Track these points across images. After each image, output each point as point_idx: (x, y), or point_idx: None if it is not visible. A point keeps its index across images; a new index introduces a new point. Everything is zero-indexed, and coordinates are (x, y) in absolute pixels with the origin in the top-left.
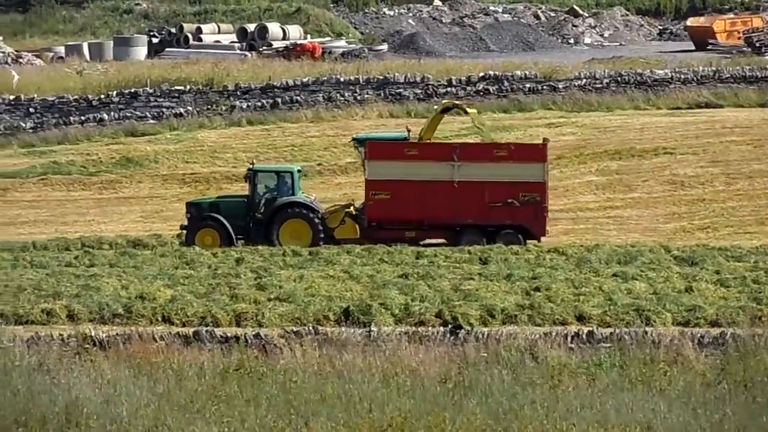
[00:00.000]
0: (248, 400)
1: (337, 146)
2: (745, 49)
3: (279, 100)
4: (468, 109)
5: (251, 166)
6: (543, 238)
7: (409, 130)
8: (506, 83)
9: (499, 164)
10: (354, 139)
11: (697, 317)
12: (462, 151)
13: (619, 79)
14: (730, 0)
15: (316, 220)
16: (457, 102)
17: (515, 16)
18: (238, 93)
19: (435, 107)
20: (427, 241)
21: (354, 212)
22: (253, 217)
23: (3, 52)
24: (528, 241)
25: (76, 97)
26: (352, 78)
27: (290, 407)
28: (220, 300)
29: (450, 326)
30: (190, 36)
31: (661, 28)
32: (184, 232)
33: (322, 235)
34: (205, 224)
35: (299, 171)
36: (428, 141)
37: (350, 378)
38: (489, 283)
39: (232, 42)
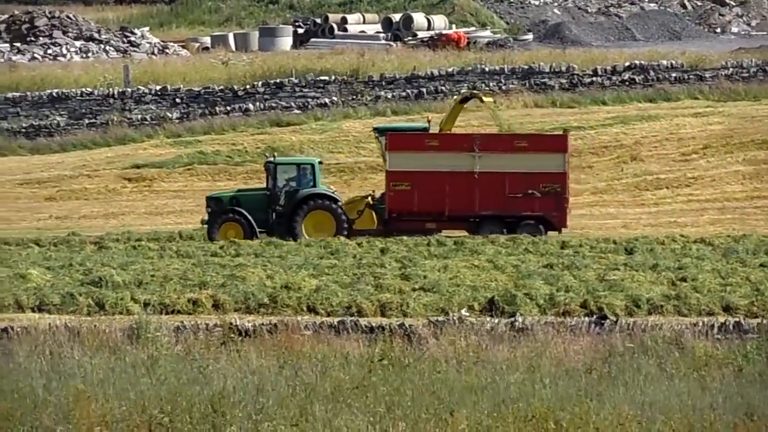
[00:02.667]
0: (393, 389)
1: None
2: None
3: (423, 90)
4: (484, 98)
5: (271, 159)
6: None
7: (429, 121)
8: (652, 73)
9: (519, 155)
10: (375, 129)
11: None
12: (482, 141)
13: (766, 68)
14: None
15: (340, 211)
16: (475, 91)
17: (661, 5)
18: (383, 83)
19: (454, 97)
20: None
21: (372, 203)
22: (274, 209)
23: (149, 43)
24: (674, 234)
25: (221, 87)
26: (496, 68)
27: (435, 397)
28: (364, 290)
29: (595, 316)
30: (335, 26)
31: None
32: (206, 226)
33: (345, 226)
34: (228, 218)
35: (320, 163)
36: (448, 132)
37: (495, 368)
38: (634, 274)
39: (377, 32)
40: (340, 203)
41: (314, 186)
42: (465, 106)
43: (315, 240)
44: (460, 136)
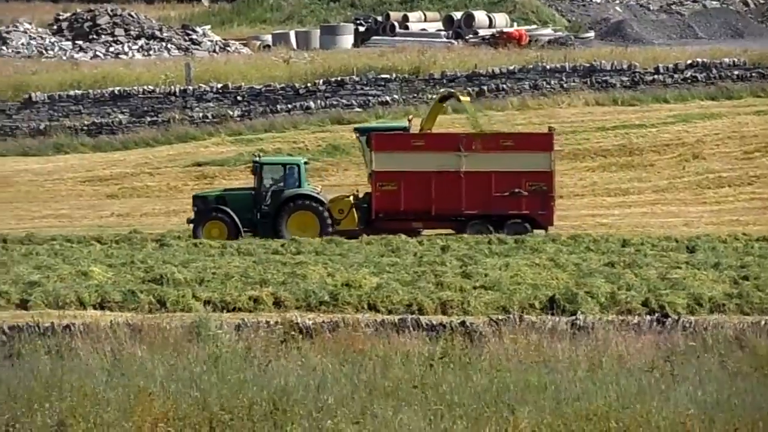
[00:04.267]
0: (454, 388)
1: None
2: None
3: (485, 87)
4: (461, 98)
5: (257, 159)
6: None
7: (410, 120)
8: (714, 71)
9: (505, 154)
10: (355, 129)
11: None
12: (468, 141)
13: None
14: None
15: (324, 212)
16: (452, 90)
17: (724, 3)
18: (444, 81)
19: (433, 96)
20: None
21: (353, 203)
22: (259, 209)
23: (211, 41)
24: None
25: (282, 85)
26: (558, 66)
27: (496, 396)
28: (425, 288)
29: (657, 315)
30: (396, 24)
31: None
32: (191, 225)
33: (329, 227)
34: (212, 217)
35: (306, 163)
36: (429, 131)
37: (556, 366)
38: (696, 272)
39: (438, 30)
40: (325, 203)
41: (299, 186)
42: (444, 105)
43: (376, 238)
44: (445, 135)
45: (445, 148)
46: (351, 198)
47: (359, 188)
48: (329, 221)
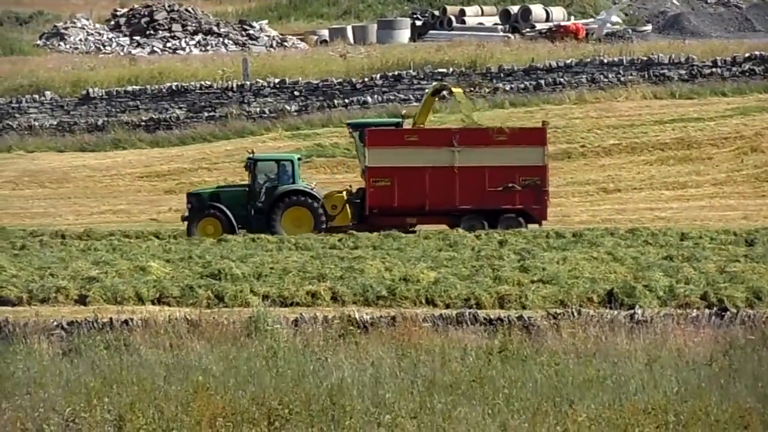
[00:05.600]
0: (512, 382)
1: (601, 128)
2: None
3: (542, 81)
4: (454, 89)
5: (251, 155)
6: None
7: (403, 115)
8: None
9: (498, 149)
10: (348, 125)
11: None
12: (461, 136)
13: None
14: None
15: (318, 208)
16: (444, 83)
17: None
18: (501, 75)
19: (426, 90)
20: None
21: (346, 199)
22: (254, 206)
23: (268, 36)
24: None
25: (339, 80)
26: (615, 59)
27: (554, 389)
28: (483, 282)
29: (715, 308)
30: (453, 18)
31: None
32: (185, 223)
33: (323, 223)
34: (206, 214)
35: (299, 159)
36: (422, 126)
37: (614, 360)
38: (755, 265)
39: (495, 24)
40: (319, 199)
41: (293, 182)
42: (437, 98)
43: (432, 233)
44: (439, 131)
45: (438, 143)
46: (344, 194)
47: (352, 184)
48: (323, 217)
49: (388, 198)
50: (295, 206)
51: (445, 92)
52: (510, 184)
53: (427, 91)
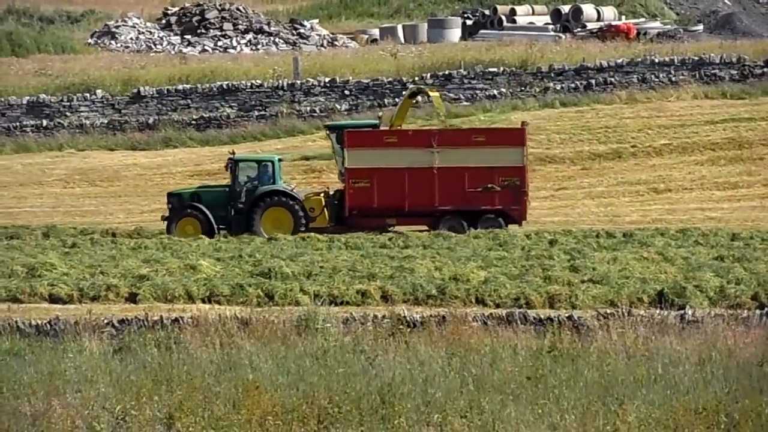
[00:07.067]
0: (562, 382)
1: (652, 128)
2: None
3: (593, 81)
4: (430, 93)
5: (232, 156)
6: None
7: (380, 117)
8: None
9: (477, 149)
10: (326, 127)
11: None
12: (440, 137)
13: None
14: None
15: (297, 208)
16: (422, 86)
17: None
18: (552, 74)
19: (403, 93)
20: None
21: (325, 201)
22: (234, 206)
23: (319, 35)
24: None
25: (390, 79)
26: (666, 59)
27: (604, 389)
28: (533, 281)
29: (766, 309)
30: (503, 17)
31: None
32: (165, 222)
33: (303, 223)
34: (186, 213)
35: (280, 160)
36: (399, 128)
37: (664, 360)
38: None
39: (545, 23)
40: (299, 200)
41: (273, 183)
42: (414, 101)
43: (483, 232)
44: (418, 132)
45: (417, 144)
46: (322, 196)
47: (330, 186)
48: (303, 219)
49: (368, 199)
50: (275, 207)
51: (419, 97)
52: (489, 185)
53: (404, 93)
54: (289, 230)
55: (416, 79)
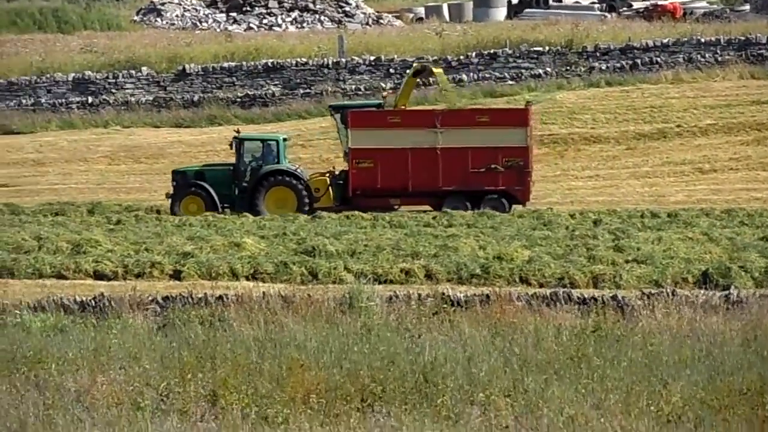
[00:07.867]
0: (606, 361)
1: (698, 108)
2: None
3: (638, 61)
4: (435, 70)
5: (237, 135)
6: None
7: (384, 97)
8: None
9: (481, 130)
10: (330, 107)
11: None
12: (444, 117)
13: None
14: None
15: (301, 188)
16: (426, 64)
17: None
18: (598, 54)
19: (407, 71)
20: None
21: (330, 181)
22: (238, 185)
23: (364, 13)
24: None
25: (435, 58)
26: (712, 39)
27: (648, 369)
28: (577, 261)
29: None
30: None
31: None
32: (169, 200)
33: (307, 203)
34: (190, 192)
35: (285, 140)
36: (404, 107)
37: (709, 341)
38: None
39: (591, 3)
40: (303, 180)
41: (278, 162)
42: (418, 79)
43: (527, 212)
44: (421, 112)
45: (421, 124)
46: (327, 176)
47: (335, 165)
48: (307, 198)
49: (371, 179)
50: (279, 186)
51: (424, 75)
52: (493, 165)
53: (408, 72)
54: (293, 210)
55: (461, 58)
